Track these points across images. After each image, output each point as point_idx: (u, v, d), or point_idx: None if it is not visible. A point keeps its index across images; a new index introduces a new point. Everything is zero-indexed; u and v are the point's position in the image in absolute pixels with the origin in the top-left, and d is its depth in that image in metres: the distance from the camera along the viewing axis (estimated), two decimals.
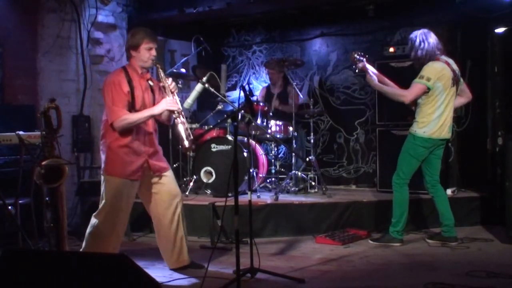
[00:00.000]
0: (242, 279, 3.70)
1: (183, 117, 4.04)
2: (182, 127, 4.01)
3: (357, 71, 5.15)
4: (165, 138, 6.22)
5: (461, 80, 4.92)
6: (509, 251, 4.72)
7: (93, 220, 4.03)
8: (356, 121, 7.03)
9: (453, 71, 4.77)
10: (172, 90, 4.06)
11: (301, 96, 6.81)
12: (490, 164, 5.94)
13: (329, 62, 7.26)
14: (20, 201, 4.45)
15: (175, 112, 4.02)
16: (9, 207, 4.15)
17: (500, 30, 5.75)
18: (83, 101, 6.28)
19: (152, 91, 4.15)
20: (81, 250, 4.06)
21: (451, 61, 4.81)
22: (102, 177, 4.07)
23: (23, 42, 5.84)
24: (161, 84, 4.11)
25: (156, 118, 4.15)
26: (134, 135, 4.00)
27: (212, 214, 5.13)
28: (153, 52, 4.05)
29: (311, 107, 6.37)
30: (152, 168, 4.11)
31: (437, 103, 4.71)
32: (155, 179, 4.14)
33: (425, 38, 4.73)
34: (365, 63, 4.98)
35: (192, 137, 4.06)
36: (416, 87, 4.70)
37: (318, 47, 7.37)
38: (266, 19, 7.46)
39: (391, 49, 5.99)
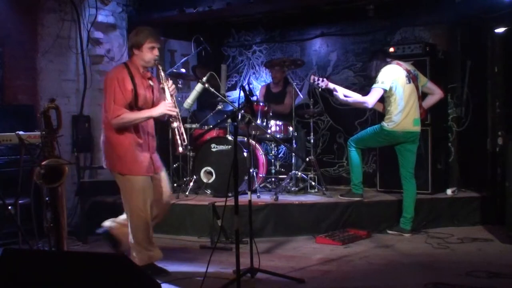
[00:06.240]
0: (242, 279, 3.70)
1: (179, 122, 4.05)
2: (177, 132, 4.03)
3: (320, 90, 5.85)
4: (165, 138, 6.21)
5: (426, 79, 5.47)
6: (509, 251, 4.73)
7: (129, 227, 4.06)
8: (356, 121, 7.02)
9: (407, 69, 5.32)
10: (172, 93, 4.07)
11: (301, 96, 6.81)
12: (490, 164, 5.93)
13: (329, 62, 7.26)
14: (20, 201, 4.45)
15: (172, 116, 4.04)
16: (9, 207, 4.15)
17: (500, 30, 5.74)
18: (83, 101, 6.27)
19: (153, 90, 4.16)
20: (135, 259, 4.03)
21: (403, 63, 5.42)
22: (120, 177, 4.03)
23: (23, 42, 5.83)
24: (161, 85, 4.12)
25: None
26: (140, 132, 4.05)
27: (212, 214, 5.13)
28: (156, 52, 4.06)
29: (311, 107, 6.38)
30: (154, 165, 4.16)
31: (397, 100, 5.23)
32: (155, 176, 4.18)
33: (369, 65, 5.48)
34: (327, 81, 5.57)
35: (186, 142, 4.07)
36: (375, 91, 5.28)
37: (318, 47, 7.36)
38: (266, 19, 7.45)
39: (391, 49, 5.98)
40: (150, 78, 4.17)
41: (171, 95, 4.06)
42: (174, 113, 4.01)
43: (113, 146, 4.01)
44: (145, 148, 4.08)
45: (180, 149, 4.03)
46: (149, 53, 4.03)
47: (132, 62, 4.09)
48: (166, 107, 3.99)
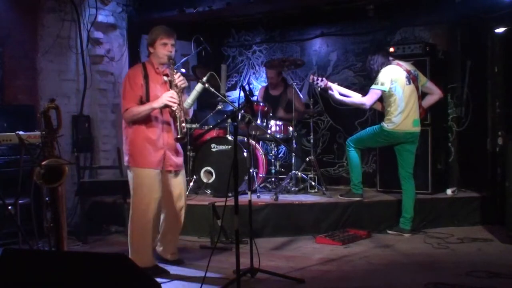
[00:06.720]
0: (242, 279, 3.70)
1: (180, 112, 4.10)
2: (178, 121, 4.07)
3: (319, 89, 5.91)
4: None
5: (425, 79, 5.46)
6: (509, 251, 4.72)
7: (130, 216, 4.18)
8: (356, 121, 7.02)
9: (407, 70, 5.31)
10: (178, 85, 4.13)
11: (301, 96, 6.80)
12: (490, 164, 5.93)
13: (329, 62, 7.25)
14: (20, 201, 4.45)
15: (174, 106, 4.08)
16: (9, 207, 4.15)
17: (500, 30, 5.74)
18: (83, 101, 6.28)
19: (171, 87, 4.21)
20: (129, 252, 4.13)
21: (404, 63, 5.40)
22: (128, 170, 4.20)
23: (23, 42, 5.83)
24: (168, 78, 4.19)
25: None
26: (153, 128, 4.14)
27: (212, 214, 5.13)
28: (169, 48, 4.18)
29: (311, 107, 6.38)
30: (165, 162, 4.21)
31: (397, 101, 5.23)
32: (167, 175, 4.25)
33: (372, 58, 5.40)
34: (326, 81, 5.57)
35: (185, 129, 4.14)
36: (373, 92, 5.31)
37: (318, 47, 7.36)
38: (266, 19, 7.45)
39: (391, 49, 5.98)
40: (166, 75, 4.24)
41: (176, 86, 4.11)
42: (173, 102, 4.05)
43: (127, 141, 4.17)
44: (159, 144, 4.17)
45: (178, 135, 4.08)
46: (161, 49, 4.16)
47: (149, 60, 4.26)
48: (167, 97, 4.06)
